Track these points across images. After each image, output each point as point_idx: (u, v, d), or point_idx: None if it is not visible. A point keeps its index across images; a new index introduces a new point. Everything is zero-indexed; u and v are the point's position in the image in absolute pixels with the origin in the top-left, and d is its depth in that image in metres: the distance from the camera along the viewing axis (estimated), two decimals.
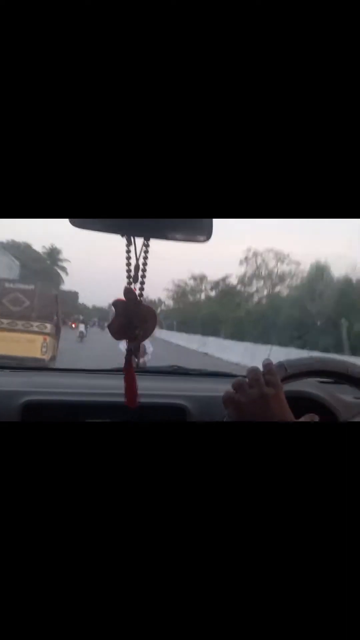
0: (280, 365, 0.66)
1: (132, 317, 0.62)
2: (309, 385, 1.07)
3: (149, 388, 1.10)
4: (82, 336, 18.65)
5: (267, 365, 0.64)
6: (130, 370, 0.66)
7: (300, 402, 1.02)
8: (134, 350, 0.64)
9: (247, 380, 0.62)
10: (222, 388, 0.64)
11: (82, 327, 19.90)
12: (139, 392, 1.05)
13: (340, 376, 0.70)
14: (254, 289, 34.44)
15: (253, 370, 0.63)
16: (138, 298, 0.63)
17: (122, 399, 0.67)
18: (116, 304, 0.63)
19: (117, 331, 0.63)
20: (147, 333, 0.64)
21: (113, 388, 1.02)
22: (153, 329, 0.64)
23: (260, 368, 0.64)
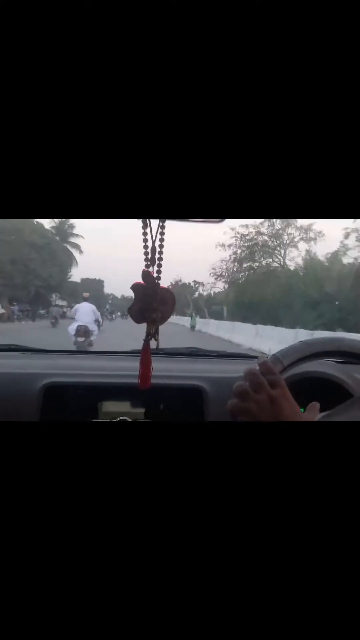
0: (276, 359, 0.65)
1: (150, 300, 0.63)
2: (324, 366, 1.07)
3: (166, 370, 1.11)
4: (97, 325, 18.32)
5: (264, 364, 0.61)
6: (147, 353, 0.67)
7: (315, 383, 1.02)
8: (153, 334, 0.65)
9: (248, 385, 0.59)
10: (240, 369, 0.65)
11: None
12: (157, 373, 1.07)
13: (333, 354, 0.71)
14: None
15: (253, 373, 0.59)
16: (156, 280, 0.63)
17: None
18: (135, 287, 0.64)
19: (137, 314, 0.64)
20: (166, 315, 0.64)
21: (132, 370, 1.04)
22: (172, 311, 0.65)
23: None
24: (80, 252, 36.05)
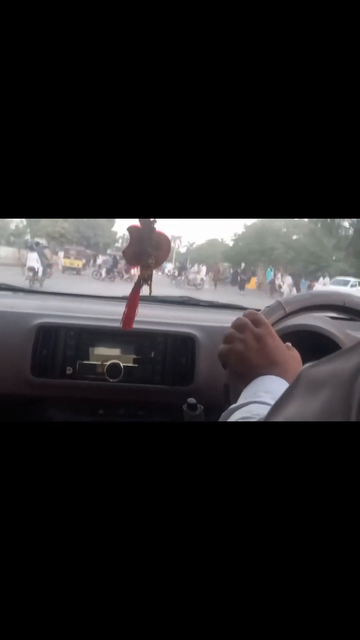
0: (278, 304, 0.66)
1: (146, 244, 0.62)
2: (317, 320, 1.08)
3: (160, 316, 1.12)
4: (32, 277, 9.86)
5: (249, 312, 0.66)
6: (136, 296, 0.67)
7: (309, 337, 1.03)
8: (146, 279, 0.65)
9: (235, 331, 0.64)
10: (232, 319, 0.65)
11: (33, 258, 10.54)
12: (149, 319, 1.07)
13: (337, 308, 0.71)
14: None
15: (238, 319, 0.65)
16: (152, 225, 0.62)
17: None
18: (131, 230, 0.62)
19: (131, 257, 0.63)
20: (160, 260, 0.64)
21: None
22: (166, 256, 0.64)
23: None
24: None
